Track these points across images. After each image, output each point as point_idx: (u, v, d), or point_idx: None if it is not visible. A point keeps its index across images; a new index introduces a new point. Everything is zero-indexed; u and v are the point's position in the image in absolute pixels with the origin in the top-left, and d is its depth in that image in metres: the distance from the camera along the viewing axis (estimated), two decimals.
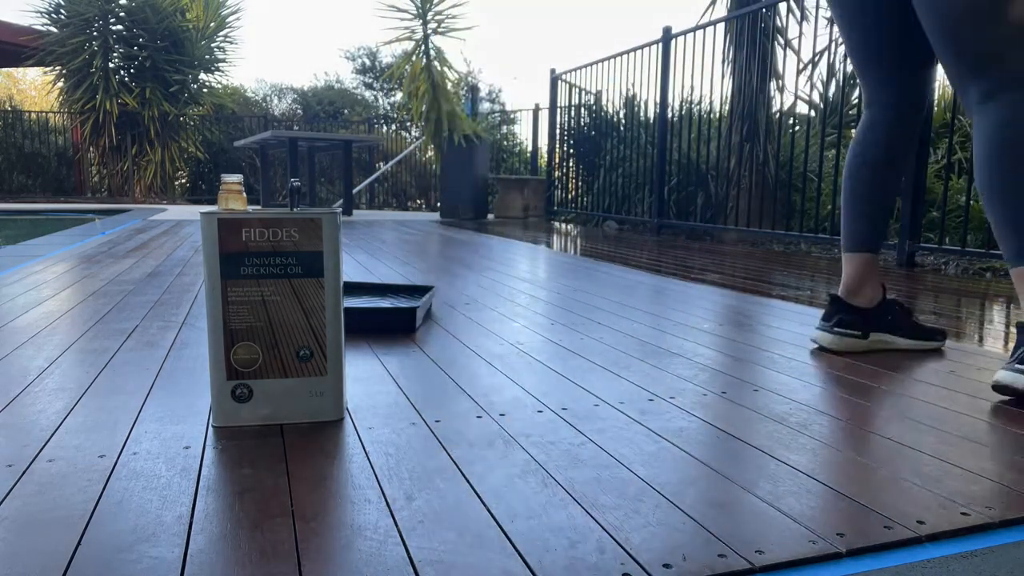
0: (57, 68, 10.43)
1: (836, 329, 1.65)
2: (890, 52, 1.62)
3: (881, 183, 1.67)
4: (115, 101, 10.20)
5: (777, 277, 3.11)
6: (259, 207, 7.21)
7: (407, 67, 7.00)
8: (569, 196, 7.71)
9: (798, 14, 5.06)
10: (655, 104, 5.64)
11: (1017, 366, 1.28)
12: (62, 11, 10.26)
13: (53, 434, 1.05)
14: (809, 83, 5.62)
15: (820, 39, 7.77)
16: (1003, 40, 1.30)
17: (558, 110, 7.61)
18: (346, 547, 0.73)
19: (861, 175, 1.67)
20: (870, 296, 1.66)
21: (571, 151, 7.52)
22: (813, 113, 5.60)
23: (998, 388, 1.30)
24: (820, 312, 2.19)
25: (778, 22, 4.99)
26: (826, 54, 5.33)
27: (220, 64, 11.39)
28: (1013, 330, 2.03)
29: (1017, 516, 0.83)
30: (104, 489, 0.86)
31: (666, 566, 0.70)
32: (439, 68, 6.87)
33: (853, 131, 5.33)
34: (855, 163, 1.69)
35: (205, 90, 11.41)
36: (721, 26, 5.17)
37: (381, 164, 11.02)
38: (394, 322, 1.79)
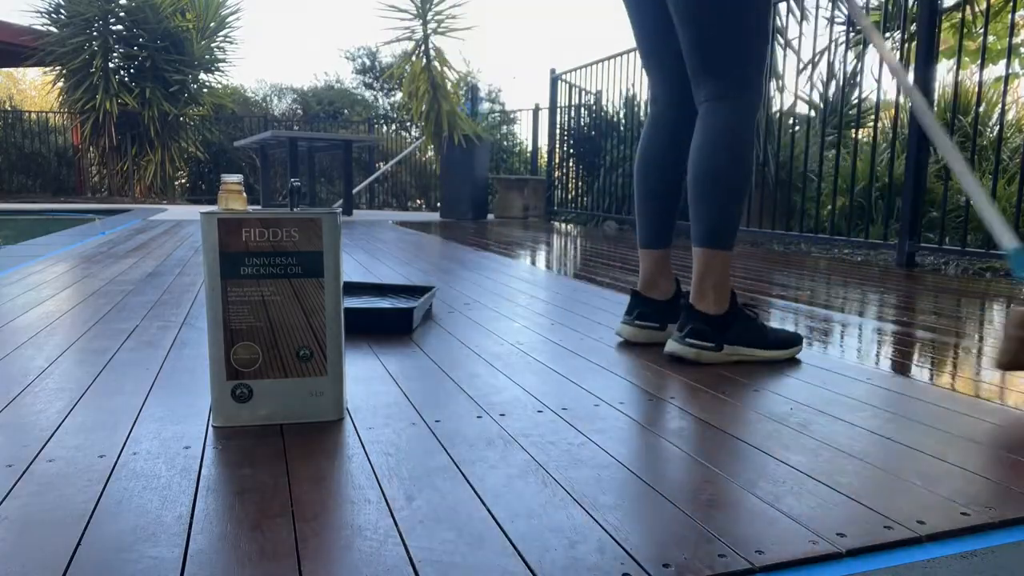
0: (57, 68, 10.43)
1: (637, 322, 1.71)
2: (669, 52, 1.64)
3: (667, 184, 1.71)
4: (115, 101, 10.20)
5: (777, 277, 3.10)
6: (259, 207, 7.22)
7: (407, 67, 7.00)
8: (569, 196, 7.71)
9: (798, 14, 5.06)
10: None
11: (688, 340, 1.51)
12: (62, 11, 10.26)
13: (53, 434, 1.05)
14: (809, 83, 5.62)
15: (820, 39, 7.76)
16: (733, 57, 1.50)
17: (558, 110, 7.61)
18: (346, 547, 0.73)
19: (649, 177, 1.71)
20: (664, 289, 1.73)
21: (571, 151, 7.52)
22: (813, 113, 5.60)
23: (669, 356, 1.55)
24: (820, 312, 2.20)
25: (778, 22, 4.99)
26: (826, 54, 5.33)
27: (220, 64, 11.39)
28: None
29: (1017, 516, 0.83)
30: (104, 489, 0.86)
31: (666, 566, 0.70)
32: (439, 68, 6.87)
33: (853, 131, 5.34)
34: (642, 167, 1.72)
35: (205, 90, 11.42)
36: None
37: (381, 164, 11.02)
38: (391, 322, 1.79)
